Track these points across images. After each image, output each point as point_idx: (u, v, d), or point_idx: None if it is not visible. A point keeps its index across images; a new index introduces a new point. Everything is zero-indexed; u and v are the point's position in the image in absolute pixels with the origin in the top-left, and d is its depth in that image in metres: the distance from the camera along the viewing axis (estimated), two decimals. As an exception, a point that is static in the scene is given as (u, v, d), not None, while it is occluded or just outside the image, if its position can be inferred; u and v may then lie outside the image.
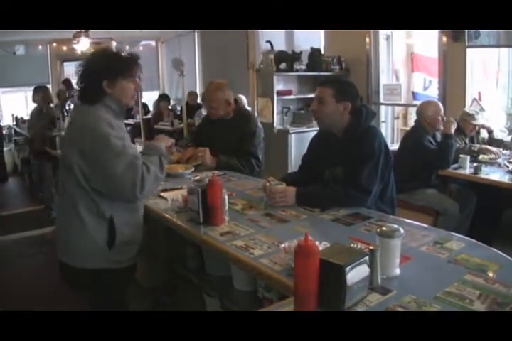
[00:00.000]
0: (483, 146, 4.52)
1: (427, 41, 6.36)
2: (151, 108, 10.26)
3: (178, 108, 9.21)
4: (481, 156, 4.36)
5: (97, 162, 2.09)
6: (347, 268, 1.37)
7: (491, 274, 1.67)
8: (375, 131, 2.70)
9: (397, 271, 1.68)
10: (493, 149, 4.43)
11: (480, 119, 4.55)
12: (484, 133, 4.90)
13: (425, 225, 2.30)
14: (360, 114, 2.67)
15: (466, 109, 4.68)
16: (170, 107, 9.42)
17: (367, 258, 1.47)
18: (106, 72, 2.20)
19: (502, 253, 1.86)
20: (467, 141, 4.59)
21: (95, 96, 2.22)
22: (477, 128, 4.62)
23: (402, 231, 1.67)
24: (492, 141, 4.75)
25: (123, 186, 2.10)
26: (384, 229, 1.68)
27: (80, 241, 2.20)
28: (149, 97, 10.62)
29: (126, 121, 9.70)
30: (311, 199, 2.53)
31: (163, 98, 9.52)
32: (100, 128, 2.12)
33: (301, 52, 6.57)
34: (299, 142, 6.32)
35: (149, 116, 9.54)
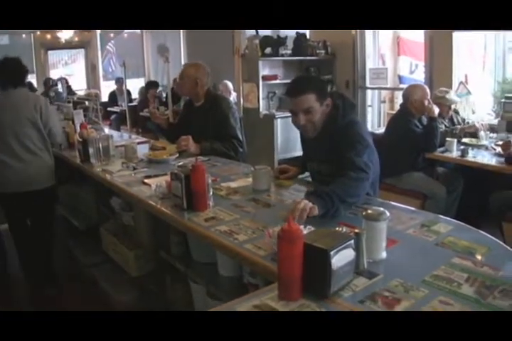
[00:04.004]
0: (463, 126, 4.54)
1: (413, 25, 6.33)
2: (134, 95, 10.12)
3: (164, 95, 9.10)
4: (468, 139, 4.35)
5: None
6: (332, 252, 1.34)
7: (479, 257, 1.66)
8: (358, 125, 2.44)
9: (384, 255, 1.65)
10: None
11: (452, 96, 4.50)
12: (465, 114, 4.92)
13: (412, 208, 2.28)
14: (336, 110, 2.41)
15: (436, 92, 4.60)
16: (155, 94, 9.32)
17: (352, 241, 1.44)
18: None
19: (490, 236, 1.85)
20: (447, 124, 4.56)
21: None
22: (452, 107, 4.59)
23: (388, 214, 1.65)
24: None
25: None
26: (369, 211, 1.66)
27: None
28: (135, 84, 10.46)
29: (111, 109, 9.61)
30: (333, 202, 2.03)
31: (153, 85, 9.35)
32: None
33: (286, 37, 6.53)
34: (285, 127, 6.32)
35: (135, 103, 9.43)
